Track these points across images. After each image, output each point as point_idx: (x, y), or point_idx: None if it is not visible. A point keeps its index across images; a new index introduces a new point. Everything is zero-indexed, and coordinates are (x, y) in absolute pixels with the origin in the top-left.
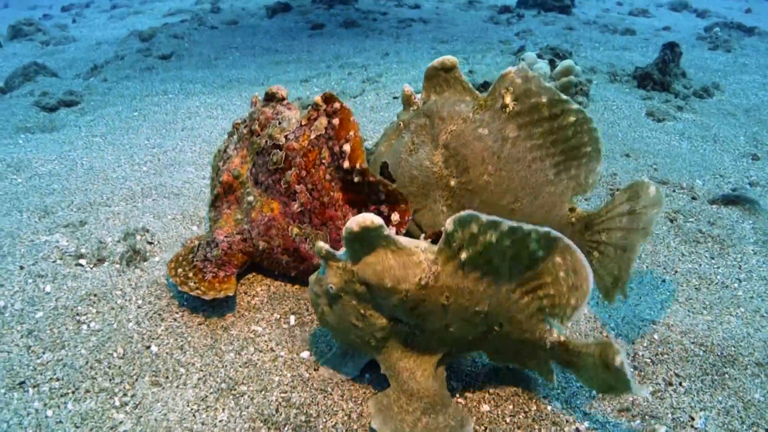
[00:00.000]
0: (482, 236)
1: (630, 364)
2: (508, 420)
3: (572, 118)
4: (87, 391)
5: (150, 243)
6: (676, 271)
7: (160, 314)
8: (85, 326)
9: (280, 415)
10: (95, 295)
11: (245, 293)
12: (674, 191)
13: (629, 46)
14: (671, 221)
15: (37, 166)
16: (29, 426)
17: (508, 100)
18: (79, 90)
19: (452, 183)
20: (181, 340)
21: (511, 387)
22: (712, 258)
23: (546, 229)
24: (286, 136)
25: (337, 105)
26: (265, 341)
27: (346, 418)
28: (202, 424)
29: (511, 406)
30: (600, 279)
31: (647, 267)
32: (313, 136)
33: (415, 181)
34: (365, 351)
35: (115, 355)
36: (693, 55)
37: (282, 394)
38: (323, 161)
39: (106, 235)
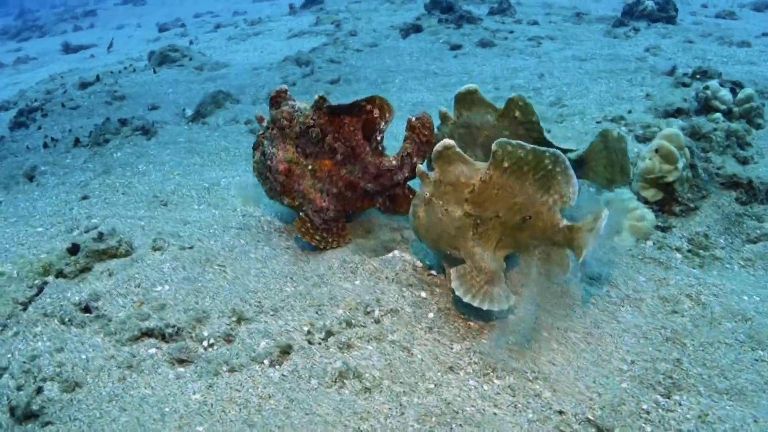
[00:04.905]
0: (515, 152)
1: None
2: None
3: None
4: (503, 370)
5: None
6: None
7: None
8: None
9: None
10: None
11: None
12: None
13: (752, 59)
14: None
15: None
16: None
17: (517, 113)
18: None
19: None
20: None
21: None
22: None
23: (553, 150)
24: (312, 119)
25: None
26: None
27: None
28: None
29: None
30: (597, 182)
31: None
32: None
33: None
34: (445, 245)
35: None
36: None
37: None
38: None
39: None
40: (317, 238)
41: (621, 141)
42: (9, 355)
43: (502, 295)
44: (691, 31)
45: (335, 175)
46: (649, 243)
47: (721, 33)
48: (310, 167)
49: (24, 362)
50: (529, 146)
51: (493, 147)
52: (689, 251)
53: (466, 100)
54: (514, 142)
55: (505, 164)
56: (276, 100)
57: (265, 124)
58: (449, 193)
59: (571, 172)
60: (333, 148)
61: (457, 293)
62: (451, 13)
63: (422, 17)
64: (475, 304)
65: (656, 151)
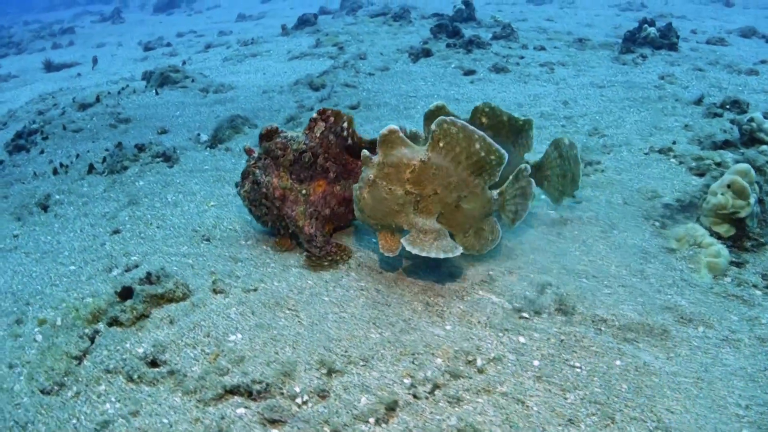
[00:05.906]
0: (449, 128)
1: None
2: None
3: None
4: (623, 420)
5: None
6: None
7: None
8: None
9: None
10: None
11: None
12: None
13: (765, 87)
14: None
15: None
16: None
17: (484, 120)
18: None
19: None
20: None
21: None
22: None
23: (483, 134)
24: (304, 144)
25: (329, 112)
26: None
27: None
28: None
29: None
30: (550, 194)
31: None
32: (318, 134)
33: None
34: (389, 220)
35: None
36: None
37: None
38: (333, 143)
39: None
40: (325, 263)
41: (573, 148)
42: (74, 420)
43: (450, 245)
44: (697, 58)
45: (329, 194)
46: (727, 279)
47: (724, 60)
48: (303, 192)
49: (96, 429)
50: (460, 122)
51: (432, 126)
52: (766, 287)
53: (435, 116)
54: (449, 118)
55: (441, 144)
56: (268, 136)
57: (255, 155)
58: (392, 174)
59: (502, 152)
60: (325, 168)
61: (414, 253)
62: (458, 37)
63: (429, 41)
64: (432, 255)
65: (728, 186)
